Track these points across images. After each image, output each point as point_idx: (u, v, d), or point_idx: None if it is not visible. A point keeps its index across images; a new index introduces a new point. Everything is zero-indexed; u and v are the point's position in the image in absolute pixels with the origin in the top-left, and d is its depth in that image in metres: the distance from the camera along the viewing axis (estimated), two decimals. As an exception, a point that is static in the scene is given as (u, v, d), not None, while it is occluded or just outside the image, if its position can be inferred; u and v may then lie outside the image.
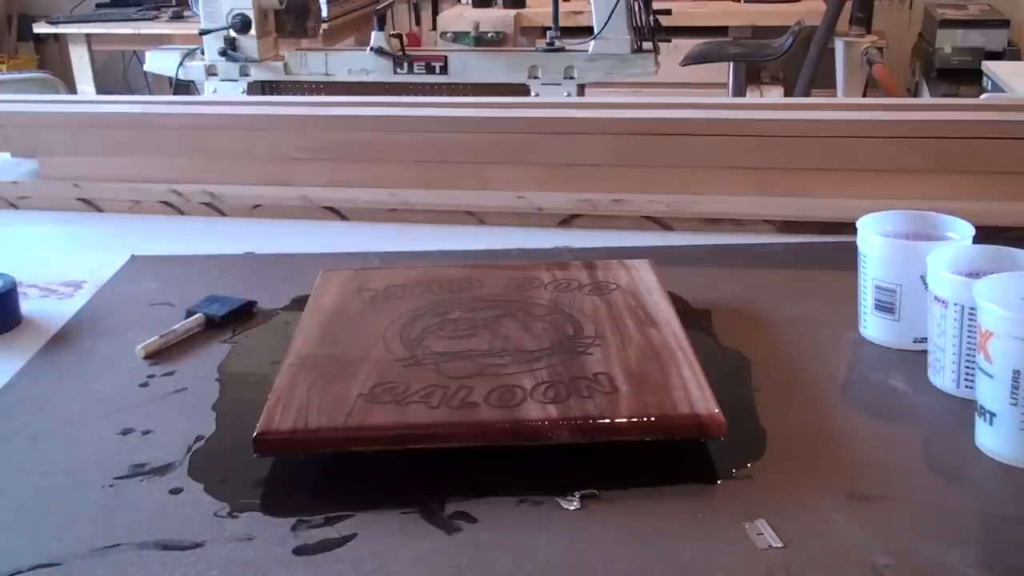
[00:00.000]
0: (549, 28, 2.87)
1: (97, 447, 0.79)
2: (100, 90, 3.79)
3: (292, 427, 0.73)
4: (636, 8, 2.61)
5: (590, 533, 0.68)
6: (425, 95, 2.37)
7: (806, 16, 3.37)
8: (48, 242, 1.30)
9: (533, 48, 2.84)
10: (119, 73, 4.57)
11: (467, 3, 3.93)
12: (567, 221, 1.27)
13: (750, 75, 3.44)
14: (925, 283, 0.85)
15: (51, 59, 4.50)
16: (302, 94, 2.71)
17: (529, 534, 0.67)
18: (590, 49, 2.64)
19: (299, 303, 0.99)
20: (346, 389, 0.77)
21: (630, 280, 0.97)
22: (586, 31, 2.71)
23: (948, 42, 3.52)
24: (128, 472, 0.75)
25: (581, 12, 3.21)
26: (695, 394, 0.75)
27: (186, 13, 3.72)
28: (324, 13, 3.05)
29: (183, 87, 2.80)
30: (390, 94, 2.47)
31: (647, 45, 2.65)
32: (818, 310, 1.00)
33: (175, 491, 0.73)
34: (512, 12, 3.72)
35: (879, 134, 1.23)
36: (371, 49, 2.71)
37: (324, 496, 0.72)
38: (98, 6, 4.25)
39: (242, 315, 1.01)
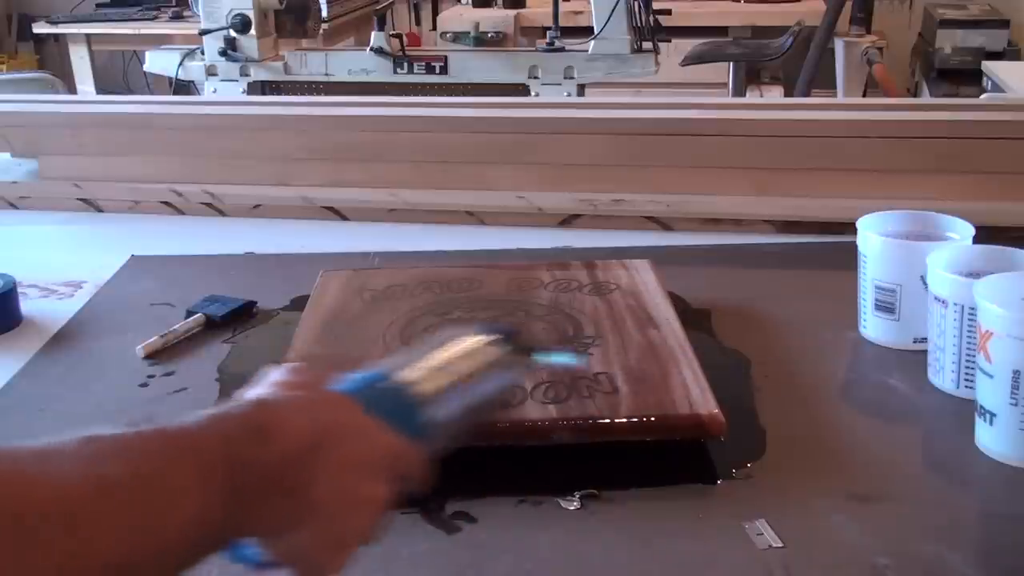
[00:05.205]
0: (549, 28, 2.87)
1: (97, 447, 0.79)
2: (100, 90, 3.78)
3: (292, 427, 0.73)
4: (636, 8, 2.61)
5: (590, 533, 0.68)
6: (425, 95, 2.37)
7: (806, 16, 3.36)
8: (48, 242, 1.30)
9: (533, 48, 2.84)
10: (119, 73, 4.56)
11: (467, 3, 3.92)
12: (567, 221, 1.27)
13: (750, 75, 3.43)
14: (925, 283, 0.85)
15: (51, 59, 4.50)
16: (302, 94, 2.70)
17: (529, 534, 0.67)
18: (590, 49, 2.64)
19: (299, 303, 0.99)
20: (346, 389, 0.77)
21: (630, 280, 0.97)
22: (586, 31, 2.71)
23: (948, 42, 3.51)
24: (128, 472, 0.75)
25: (581, 12, 3.20)
26: (695, 394, 0.75)
27: (186, 13, 3.72)
28: (324, 13, 3.04)
29: (183, 87, 2.80)
30: (390, 94, 2.46)
31: (647, 45, 2.65)
32: (818, 310, 1.00)
33: (175, 491, 0.73)
34: (512, 12, 3.71)
35: (879, 134, 1.23)
36: (371, 49, 2.71)
37: (324, 496, 0.72)
38: (98, 6, 4.25)
39: (242, 315, 1.01)
